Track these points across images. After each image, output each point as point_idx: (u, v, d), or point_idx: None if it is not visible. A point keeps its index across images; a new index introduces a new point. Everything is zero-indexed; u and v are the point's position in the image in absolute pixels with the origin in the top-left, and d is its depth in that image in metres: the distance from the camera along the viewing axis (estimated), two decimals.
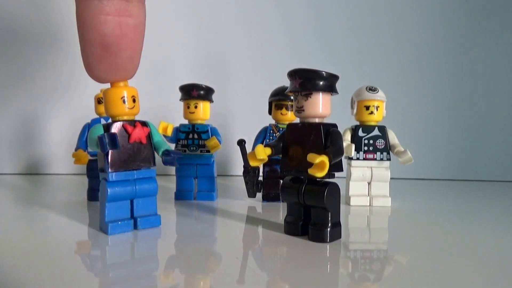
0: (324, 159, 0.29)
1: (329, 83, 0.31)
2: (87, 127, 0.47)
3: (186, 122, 0.49)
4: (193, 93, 0.47)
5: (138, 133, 0.34)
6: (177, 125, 0.48)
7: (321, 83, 0.31)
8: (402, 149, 0.46)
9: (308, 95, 0.31)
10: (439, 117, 0.74)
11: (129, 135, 0.33)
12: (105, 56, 0.30)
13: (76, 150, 0.47)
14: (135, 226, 0.35)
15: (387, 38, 0.73)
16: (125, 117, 0.34)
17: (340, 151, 0.31)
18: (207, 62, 0.72)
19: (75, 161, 0.46)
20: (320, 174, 0.30)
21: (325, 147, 0.31)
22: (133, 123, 0.34)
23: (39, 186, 0.60)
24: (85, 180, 0.49)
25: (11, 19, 0.69)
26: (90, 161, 0.47)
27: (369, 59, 0.72)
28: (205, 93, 0.47)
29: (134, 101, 0.34)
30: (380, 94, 0.46)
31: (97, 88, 0.49)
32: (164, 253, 0.30)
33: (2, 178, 0.66)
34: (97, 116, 0.48)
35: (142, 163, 0.34)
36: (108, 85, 0.34)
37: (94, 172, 0.47)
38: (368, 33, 0.72)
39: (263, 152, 0.33)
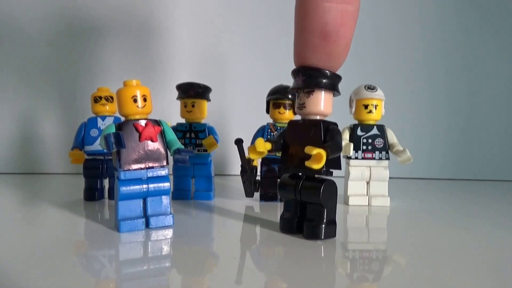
0: (321, 151, 0.30)
1: (332, 82, 0.32)
2: (84, 126, 0.47)
3: (183, 121, 0.49)
4: (190, 91, 0.47)
5: (149, 132, 0.34)
6: (174, 124, 0.48)
7: (323, 81, 0.31)
8: (401, 148, 0.45)
9: (310, 92, 0.32)
10: (438, 116, 0.74)
11: (140, 134, 0.34)
12: (322, 45, 0.30)
13: (72, 149, 0.46)
14: (147, 225, 0.35)
15: (386, 36, 0.73)
16: (137, 116, 0.34)
17: (338, 147, 0.31)
18: (204, 60, 0.72)
19: (71, 161, 0.46)
20: (316, 166, 0.30)
21: (324, 143, 0.31)
22: (144, 122, 0.34)
23: (35, 186, 0.60)
24: (81, 179, 0.48)
25: (7, 19, 0.69)
26: (86, 160, 0.47)
27: (368, 58, 0.72)
28: (202, 92, 0.47)
29: (145, 100, 0.34)
30: (379, 93, 0.46)
31: (94, 86, 0.49)
32: (160, 253, 0.30)
33: None
34: (94, 115, 0.47)
35: (154, 162, 0.34)
36: (117, 86, 0.34)
37: (90, 171, 0.47)
38: (367, 31, 0.72)
39: (263, 145, 0.33)
